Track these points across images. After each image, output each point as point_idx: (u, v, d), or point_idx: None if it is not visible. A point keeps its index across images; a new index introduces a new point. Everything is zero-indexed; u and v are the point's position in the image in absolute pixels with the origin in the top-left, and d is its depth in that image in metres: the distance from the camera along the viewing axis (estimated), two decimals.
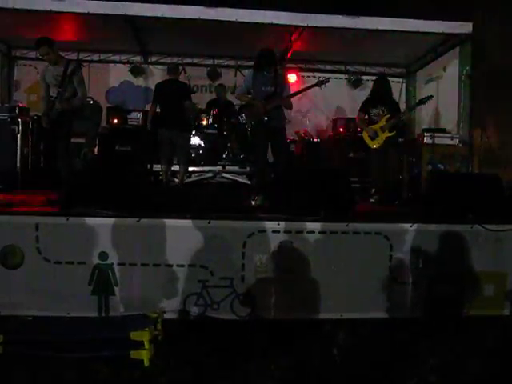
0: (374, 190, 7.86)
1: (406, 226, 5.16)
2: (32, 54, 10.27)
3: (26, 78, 10.53)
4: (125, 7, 7.98)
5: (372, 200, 7.68)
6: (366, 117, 7.85)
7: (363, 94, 9.29)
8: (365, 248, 5.06)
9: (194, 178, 8.91)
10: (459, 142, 8.36)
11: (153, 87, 8.37)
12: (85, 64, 9.95)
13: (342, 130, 10.25)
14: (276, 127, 6.87)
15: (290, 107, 7.25)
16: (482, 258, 5.22)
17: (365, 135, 7.78)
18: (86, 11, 7.91)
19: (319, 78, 7.52)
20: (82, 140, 7.95)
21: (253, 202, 6.27)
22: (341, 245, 5.05)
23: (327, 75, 10.78)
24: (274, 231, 4.97)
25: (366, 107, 7.85)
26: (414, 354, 4.48)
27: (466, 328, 4.94)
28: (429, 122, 9.88)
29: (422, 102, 7.80)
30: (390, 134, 7.57)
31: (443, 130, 8.81)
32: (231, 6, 8.26)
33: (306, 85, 7.60)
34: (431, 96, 7.78)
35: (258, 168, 7.04)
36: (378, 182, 7.87)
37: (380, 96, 7.74)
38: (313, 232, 5.00)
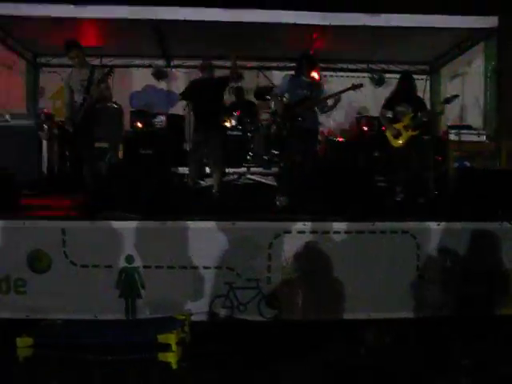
0: (398, 188, 7.77)
1: (434, 224, 5.09)
2: (56, 61, 10.38)
3: (51, 84, 10.63)
4: (147, 11, 8.02)
5: (398, 198, 7.58)
6: (390, 114, 7.75)
7: (387, 92, 9.22)
8: (392, 247, 5.00)
9: None
10: (486, 138, 8.21)
11: (176, 90, 8.30)
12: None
13: (365, 128, 10.16)
14: (309, 129, 7.03)
15: (325, 110, 7.35)
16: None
17: (388, 134, 7.64)
18: (109, 17, 7.96)
19: (353, 81, 7.49)
20: (106, 144, 8.00)
21: (277, 203, 6.23)
22: (367, 244, 5.00)
23: (349, 74, 10.91)
24: (299, 232, 4.94)
25: (390, 104, 7.75)
26: (444, 354, 4.43)
27: (497, 327, 4.87)
28: (454, 119, 9.74)
29: (448, 101, 7.67)
30: (414, 133, 7.43)
31: (469, 127, 8.66)
32: (251, 6, 8.26)
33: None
34: (457, 95, 7.64)
35: (287, 168, 7.16)
36: (403, 180, 7.77)
37: (405, 93, 7.62)
38: (339, 232, 4.96)
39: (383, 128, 8.21)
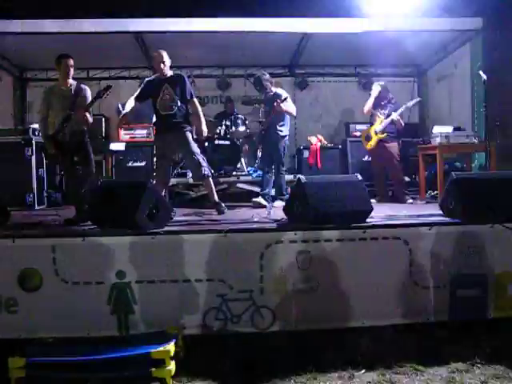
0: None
1: (425, 229, 5.07)
2: (42, 75, 10.41)
3: (39, 99, 10.57)
4: (131, 24, 8.05)
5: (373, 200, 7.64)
6: (372, 118, 8.22)
7: None
8: (384, 254, 4.97)
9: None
10: (475, 139, 8.22)
11: None
12: (95, 81, 9.91)
13: (355, 133, 10.18)
14: (272, 140, 7.75)
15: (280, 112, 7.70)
16: (504, 257, 5.10)
17: (362, 136, 8.37)
18: (94, 30, 7.96)
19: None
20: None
21: (267, 212, 6.19)
22: (359, 252, 4.96)
23: (337, 79, 10.97)
24: (291, 241, 4.91)
25: (374, 108, 8.29)
26: (439, 358, 4.42)
27: (491, 330, 4.86)
28: (443, 121, 9.76)
29: (407, 107, 8.12)
30: (382, 136, 7.95)
31: (458, 128, 8.68)
32: (236, 15, 8.31)
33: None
34: (418, 100, 8.53)
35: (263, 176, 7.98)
36: (377, 183, 8.28)
37: (380, 99, 8.21)
38: (330, 240, 4.94)
39: None
